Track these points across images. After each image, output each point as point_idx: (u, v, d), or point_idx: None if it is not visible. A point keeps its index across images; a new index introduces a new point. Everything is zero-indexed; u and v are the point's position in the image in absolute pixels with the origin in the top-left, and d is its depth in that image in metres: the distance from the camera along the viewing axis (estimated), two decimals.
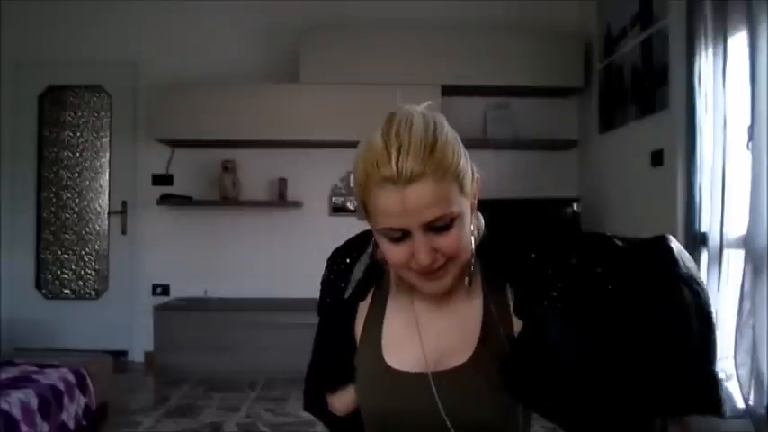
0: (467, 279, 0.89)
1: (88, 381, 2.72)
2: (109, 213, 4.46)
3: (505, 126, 4.26)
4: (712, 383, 0.78)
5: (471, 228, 0.87)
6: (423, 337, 0.91)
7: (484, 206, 0.92)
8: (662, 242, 0.82)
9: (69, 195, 4.48)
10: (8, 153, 4.40)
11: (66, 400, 2.51)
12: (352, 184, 4.71)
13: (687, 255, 0.84)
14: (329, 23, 4.24)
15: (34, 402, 2.29)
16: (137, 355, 4.37)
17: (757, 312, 2.31)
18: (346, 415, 0.99)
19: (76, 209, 4.49)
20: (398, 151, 0.77)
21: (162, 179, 4.40)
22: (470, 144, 0.87)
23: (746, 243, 2.42)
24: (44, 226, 4.47)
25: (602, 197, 3.96)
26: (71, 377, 2.61)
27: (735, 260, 2.59)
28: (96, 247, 4.48)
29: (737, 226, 2.57)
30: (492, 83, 4.11)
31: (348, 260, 1.00)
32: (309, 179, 4.40)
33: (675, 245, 0.82)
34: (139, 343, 4.33)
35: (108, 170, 4.48)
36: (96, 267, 4.48)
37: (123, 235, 4.44)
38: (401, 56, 4.05)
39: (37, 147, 4.45)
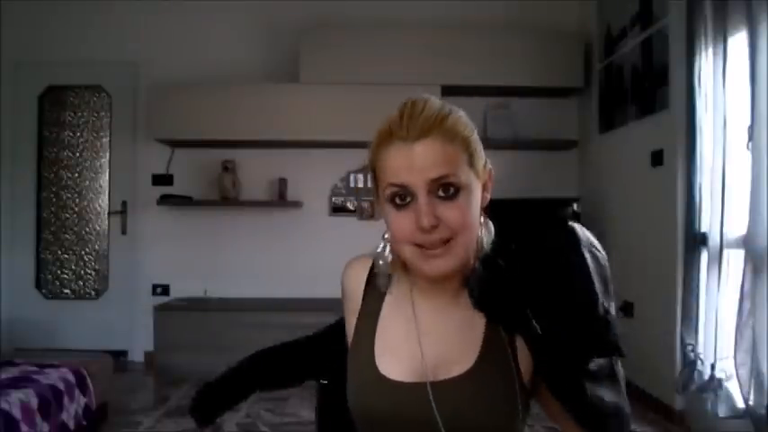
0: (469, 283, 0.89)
1: (88, 381, 2.72)
2: (109, 213, 4.46)
3: (505, 126, 4.27)
4: (605, 326, 0.83)
5: (481, 219, 0.88)
6: (423, 344, 0.89)
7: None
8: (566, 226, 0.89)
9: (69, 195, 4.48)
10: (8, 153, 4.40)
11: (66, 400, 2.51)
12: (352, 184, 4.75)
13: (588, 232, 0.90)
14: (329, 23, 4.24)
15: (34, 402, 2.29)
16: (137, 355, 4.37)
17: (757, 312, 2.31)
18: None
19: (76, 209, 4.49)
20: (410, 117, 0.82)
21: (162, 179, 4.40)
22: None
23: (746, 243, 2.42)
24: (44, 226, 4.47)
25: (602, 197, 3.96)
26: (71, 377, 2.61)
27: (735, 260, 2.59)
28: (96, 247, 4.48)
29: (737, 226, 2.57)
30: (492, 83, 4.11)
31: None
32: (309, 179, 4.40)
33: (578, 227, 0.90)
34: (139, 343, 4.33)
35: (108, 170, 4.48)
36: (96, 267, 4.48)
37: (123, 235, 4.44)
38: (401, 56, 4.05)
39: (37, 147, 4.45)
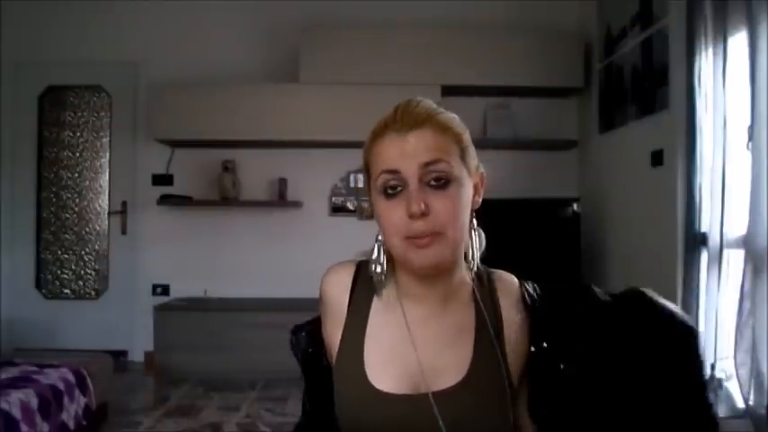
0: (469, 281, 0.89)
1: (88, 381, 2.72)
2: (109, 213, 4.46)
3: (505, 126, 4.26)
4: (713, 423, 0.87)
5: (473, 223, 0.88)
6: (419, 354, 0.86)
7: (484, 205, 0.92)
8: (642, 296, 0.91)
9: (69, 195, 4.48)
10: (8, 153, 4.40)
11: (66, 400, 2.50)
12: (352, 184, 4.74)
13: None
14: (329, 23, 4.24)
15: (34, 402, 2.29)
16: (137, 355, 4.37)
17: (757, 312, 2.31)
18: None
19: (76, 209, 4.49)
20: (404, 111, 0.84)
21: (162, 179, 4.40)
22: None
23: (746, 243, 2.42)
24: (44, 226, 4.47)
25: (602, 197, 3.96)
26: (71, 377, 2.60)
27: (735, 260, 2.59)
28: (96, 247, 4.48)
29: (737, 226, 2.56)
30: (492, 83, 4.11)
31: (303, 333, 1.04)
32: (309, 179, 4.40)
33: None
34: (139, 343, 4.33)
35: (108, 170, 4.48)
36: (96, 267, 4.48)
37: (123, 235, 4.44)
38: (401, 56, 4.04)
39: (37, 147, 4.45)
